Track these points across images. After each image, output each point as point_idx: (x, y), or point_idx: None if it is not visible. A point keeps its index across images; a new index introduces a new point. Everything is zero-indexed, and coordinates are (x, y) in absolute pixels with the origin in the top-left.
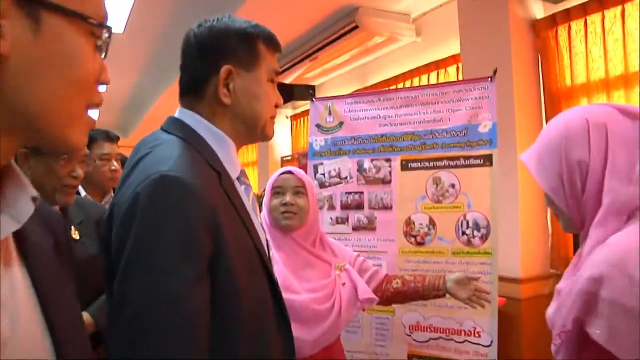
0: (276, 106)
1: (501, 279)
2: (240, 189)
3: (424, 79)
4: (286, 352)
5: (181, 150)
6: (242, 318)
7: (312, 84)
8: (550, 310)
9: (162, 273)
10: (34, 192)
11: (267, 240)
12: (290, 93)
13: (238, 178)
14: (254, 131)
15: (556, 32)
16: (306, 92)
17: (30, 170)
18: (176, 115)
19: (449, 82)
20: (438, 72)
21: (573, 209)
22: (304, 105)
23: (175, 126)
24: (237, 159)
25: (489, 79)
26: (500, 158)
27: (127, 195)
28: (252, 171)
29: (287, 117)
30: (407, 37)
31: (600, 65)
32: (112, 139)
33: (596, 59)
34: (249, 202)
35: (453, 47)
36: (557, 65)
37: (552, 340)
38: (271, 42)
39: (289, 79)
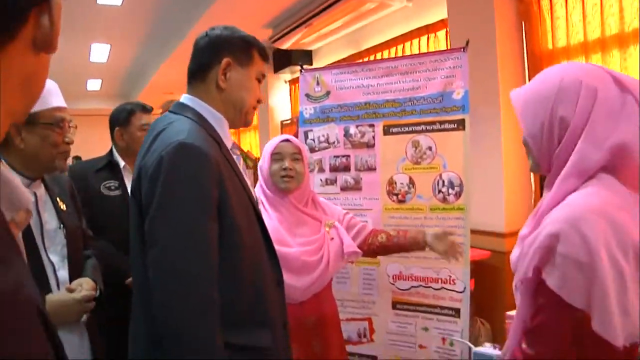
0: (258, 102)
1: (487, 233)
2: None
3: (415, 44)
4: (277, 279)
5: (191, 125)
6: (243, 251)
7: (309, 49)
8: (513, 256)
9: (182, 217)
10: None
11: (256, 197)
12: (288, 58)
13: (231, 149)
14: (239, 114)
15: None
16: (304, 57)
17: (24, 142)
18: (182, 100)
19: (426, 52)
20: (428, 37)
21: (544, 157)
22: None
23: (182, 109)
24: (229, 134)
25: (462, 49)
26: (485, 118)
27: (153, 159)
28: (254, 135)
29: (285, 82)
30: (398, 2)
31: (580, 30)
32: (148, 110)
33: (576, 23)
34: (240, 166)
35: (442, 11)
36: (539, 29)
37: (514, 280)
38: (263, 52)
39: (286, 44)
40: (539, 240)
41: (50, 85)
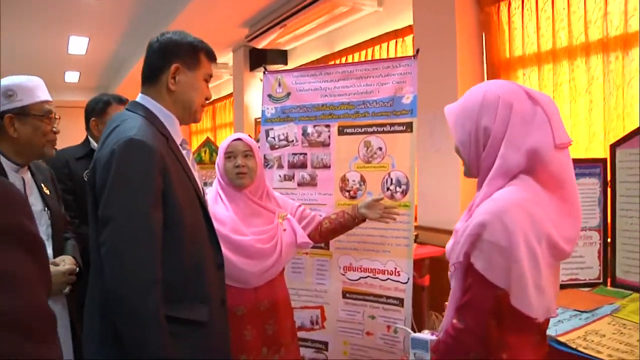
0: (206, 99)
1: (443, 231)
2: (183, 152)
3: (384, 47)
4: (218, 263)
5: (141, 122)
6: (184, 233)
7: (285, 48)
8: (448, 245)
9: (130, 201)
10: None
11: (202, 187)
12: (263, 57)
13: (181, 144)
14: (188, 113)
15: (498, 7)
16: (279, 56)
17: (17, 132)
18: (137, 99)
19: (379, 59)
20: (397, 41)
21: (473, 161)
22: (277, 68)
23: (137, 107)
24: (180, 130)
25: (413, 57)
26: (443, 121)
27: (106, 152)
28: (230, 131)
29: (260, 81)
30: (369, 6)
31: (534, 41)
32: (124, 102)
33: (531, 34)
34: (189, 160)
35: (410, 17)
36: (498, 39)
37: (449, 268)
38: (210, 55)
39: (262, 44)
40: (469, 229)
41: (38, 81)
